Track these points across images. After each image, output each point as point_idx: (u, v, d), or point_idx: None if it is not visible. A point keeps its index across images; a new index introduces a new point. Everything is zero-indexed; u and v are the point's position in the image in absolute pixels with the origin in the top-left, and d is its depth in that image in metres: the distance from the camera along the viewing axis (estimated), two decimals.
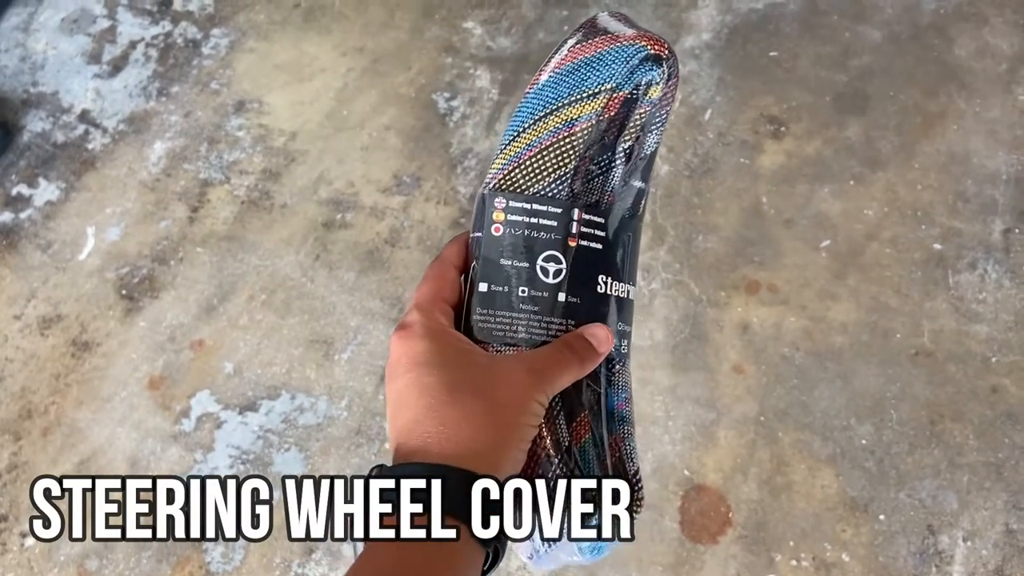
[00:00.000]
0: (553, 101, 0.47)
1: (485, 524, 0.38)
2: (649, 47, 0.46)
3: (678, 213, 1.40)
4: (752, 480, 1.18)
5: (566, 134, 0.47)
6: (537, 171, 0.47)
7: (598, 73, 0.47)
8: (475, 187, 1.46)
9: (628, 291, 0.49)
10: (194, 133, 1.59)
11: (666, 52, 0.47)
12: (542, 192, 0.47)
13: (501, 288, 0.46)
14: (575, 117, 0.47)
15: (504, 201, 0.47)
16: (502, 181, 0.47)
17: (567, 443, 0.44)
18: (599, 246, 0.47)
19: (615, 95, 0.46)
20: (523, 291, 0.46)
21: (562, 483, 0.43)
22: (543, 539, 0.43)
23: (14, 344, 1.40)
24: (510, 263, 0.46)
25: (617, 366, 0.48)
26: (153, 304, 1.41)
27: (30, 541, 1.24)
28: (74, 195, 1.55)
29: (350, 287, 1.39)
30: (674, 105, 0.49)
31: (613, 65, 0.46)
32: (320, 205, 1.48)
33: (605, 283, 0.47)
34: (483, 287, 0.46)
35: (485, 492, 0.38)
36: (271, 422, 1.29)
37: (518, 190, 0.47)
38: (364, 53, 1.65)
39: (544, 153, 0.47)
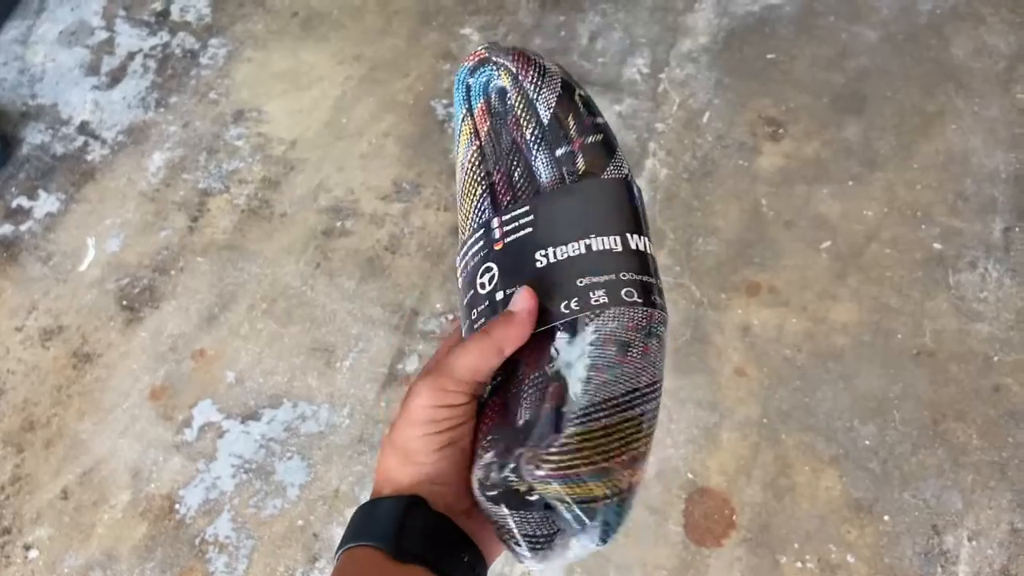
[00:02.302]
0: (456, 158, 0.52)
1: (397, 544, 0.40)
2: (467, 63, 0.50)
3: (677, 216, 1.40)
4: (756, 482, 1.18)
5: (463, 173, 0.50)
6: (464, 216, 0.50)
7: (455, 112, 0.52)
8: None
9: (590, 244, 0.46)
10: (193, 143, 1.59)
11: (482, 53, 0.50)
12: (471, 227, 0.49)
13: (466, 323, 0.48)
14: (463, 156, 0.50)
15: (456, 259, 0.50)
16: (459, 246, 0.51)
17: (521, 420, 0.43)
18: (529, 230, 0.47)
19: (475, 113, 0.50)
20: (473, 312, 0.47)
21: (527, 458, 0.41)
22: (529, 540, 0.42)
23: (16, 356, 1.40)
24: (464, 299, 0.48)
25: (592, 318, 0.45)
26: (154, 314, 1.41)
27: (33, 553, 1.24)
28: (74, 206, 1.55)
29: (351, 295, 1.39)
30: (532, 64, 0.50)
31: (456, 96, 0.51)
32: (320, 213, 1.48)
33: (545, 256, 0.46)
34: (463, 334, 0.48)
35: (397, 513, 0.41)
36: (273, 431, 1.29)
37: (462, 242, 0.50)
38: (362, 61, 1.65)
39: (461, 199, 0.50)
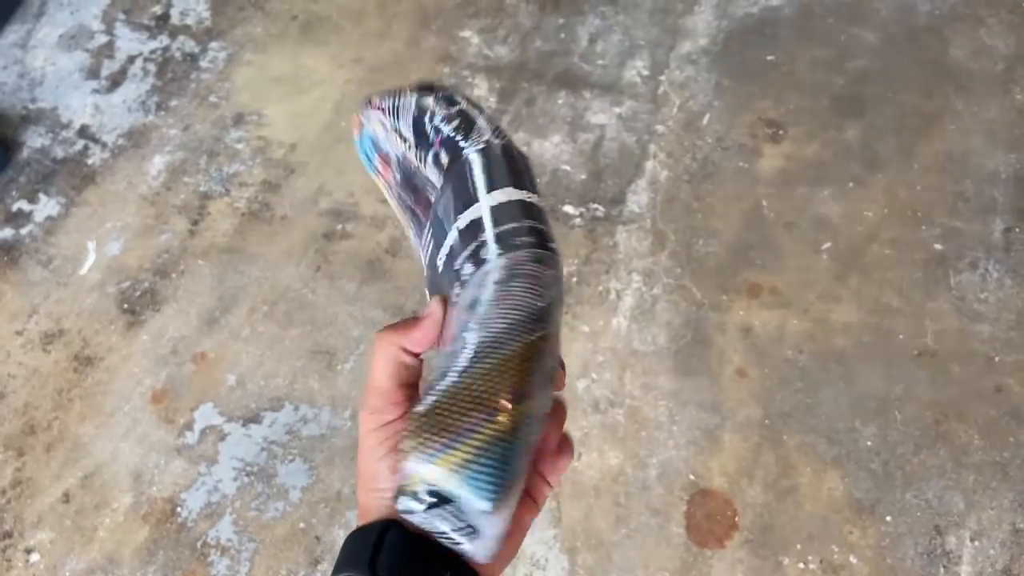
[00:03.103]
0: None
1: (372, 571, 0.39)
2: (354, 132, 0.56)
3: (678, 218, 1.40)
4: (758, 484, 1.18)
5: (381, 180, 0.57)
6: (407, 220, 0.56)
7: (371, 174, 0.58)
8: None
9: (457, 227, 0.47)
10: (193, 146, 1.59)
11: (357, 117, 0.54)
12: (428, 265, 0.52)
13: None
14: (393, 206, 0.57)
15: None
16: None
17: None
18: (432, 241, 0.50)
19: (379, 171, 0.56)
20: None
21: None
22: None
23: (16, 360, 1.40)
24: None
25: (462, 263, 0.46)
26: (155, 318, 1.41)
27: (35, 557, 1.23)
28: (74, 210, 1.55)
29: (351, 297, 1.39)
30: (390, 103, 0.52)
31: (363, 162, 0.57)
32: (320, 216, 1.48)
33: (441, 258, 0.49)
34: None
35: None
36: (275, 434, 1.29)
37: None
38: (362, 64, 1.65)
39: (414, 241, 0.54)
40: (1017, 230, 1.32)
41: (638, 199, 1.42)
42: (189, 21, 1.77)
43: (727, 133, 1.47)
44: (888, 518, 1.14)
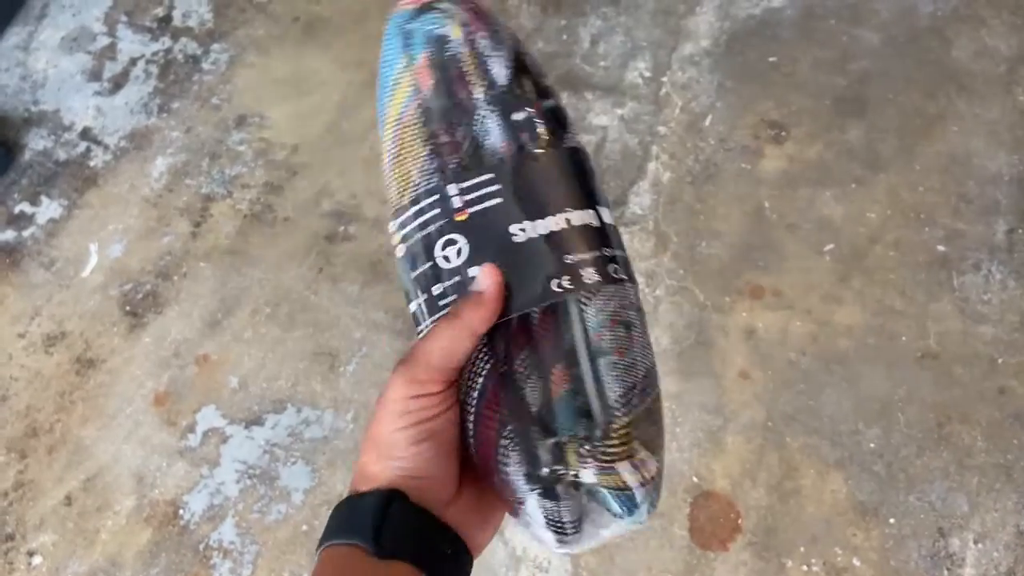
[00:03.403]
0: (381, 111, 0.46)
1: (377, 541, 0.39)
2: (407, 6, 0.45)
3: (680, 220, 1.40)
4: (761, 486, 1.18)
5: (401, 130, 0.45)
6: (402, 178, 0.46)
7: (387, 60, 0.46)
8: None
9: (569, 219, 0.44)
10: (195, 148, 1.59)
11: None
12: (415, 192, 0.45)
13: (421, 299, 0.44)
14: (398, 112, 0.45)
15: (393, 223, 0.46)
16: (393, 210, 0.46)
17: (536, 407, 0.41)
18: (498, 200, 0.43)
19: (414, 66, 0.45)
20: (437, 289, 0.43)
21: (532, 445, 0.40)
22: (550, 517, 0.41)
23: (19, 362, 1.40)
24: (417, 271, 0.44)
25: (589, 298, 0.43)
26: (157, 320, 1.41)
27: (37, 559, 1.23)
28: (76, 212, 1.55)
29: (354, 299, 1.39)
30: (487, 17, 0.46)
31: (392, 44, 0.45)
32: (322, 218, 1.48)
33: (522, 230, 0.43)
34: (412, 308, 0.45)
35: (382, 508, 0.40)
36: (277, 436, 1.29)
37: (398, 205, 0.46)
38: (364, 66, 1.65)
39: (398, 159, 0.46)
40: (1020, 231, 1.32)
41: (640, 201, 1.42)
42: (191, 23, 1.77)
43: (729, 134, 1.47)
44: (891, 520, 1.14)
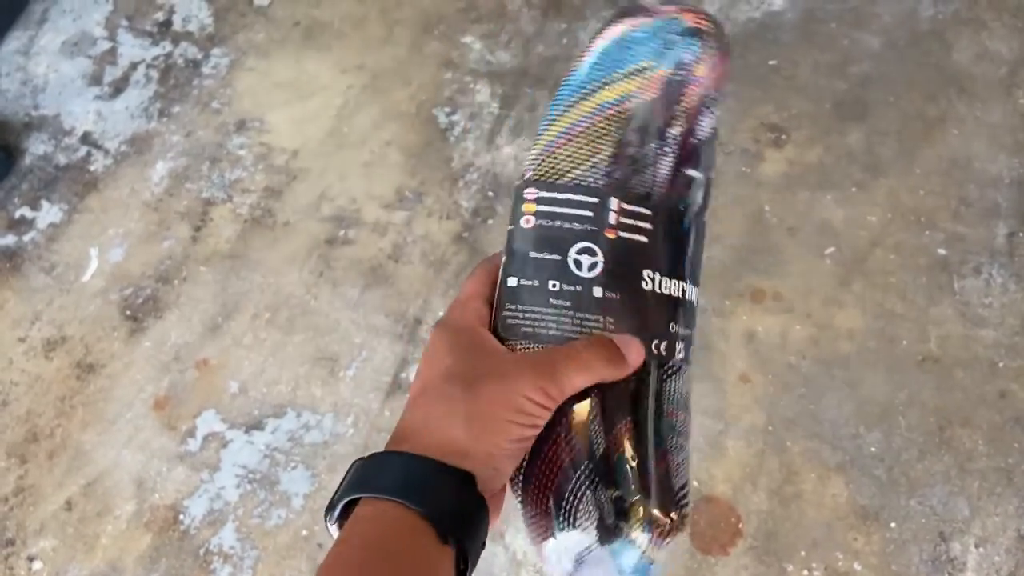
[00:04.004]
0: (586, 84, 0.44)
1: (436, 514, 0.37)
2: (687, 21, 0.43)
3: None
4: (762, 490, 1.17)
5: (599, 118, 0.44)
6: (570, 159, 0.44)
7: (631, 52, 0.43)
8: (477, 200, 1.46)
9: (685, 290, 0.45)
10: (196, 153, 1.60)
11: (705, 23, 0.43)
12: (575, 181, 0.43)
13: (530, 282, 0.43)
14: (607, 100, 0.43)
15: (535, 192, 0.44)
16: (535, 172, 0.44)
17: (602, 450, 0.41)
18: (644, 239, 0.43)
19: (652, 74, 0.43)
20: (554, 285, 0.42)
21: (588, 493, 0.40)
22: (574, 557, 0.41)
23: (19, 367, 1.40)
24: (541, 256, 0.43)
25: (671, 373, 0.45)
26: (157, 324, 1.41)
27: (38, 564, 1.23)
28: (77, 217, 1.55)
29: (354, 303, 1.39)
30: (727, 84, 0.46)
31: (647, 42, 0.43)
32: (323, 222, 1.48)
33: (652, 279, 0.43)
34: (512, 282, 0.43)
35: (455, 488, 0.38)
36: (277, 440, 1.29)
37: (551, 179, 0.44)
38: (364, 70, 1.66)
39: (577, 140, 0.44)
40: (1021, 234, 1.32)
41: None
42: (191, 27, 1.77)
43: (730, 138, 1.47)
44: (892, 524, 1.13)
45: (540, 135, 0.45)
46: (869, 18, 1.57)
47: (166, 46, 1.75)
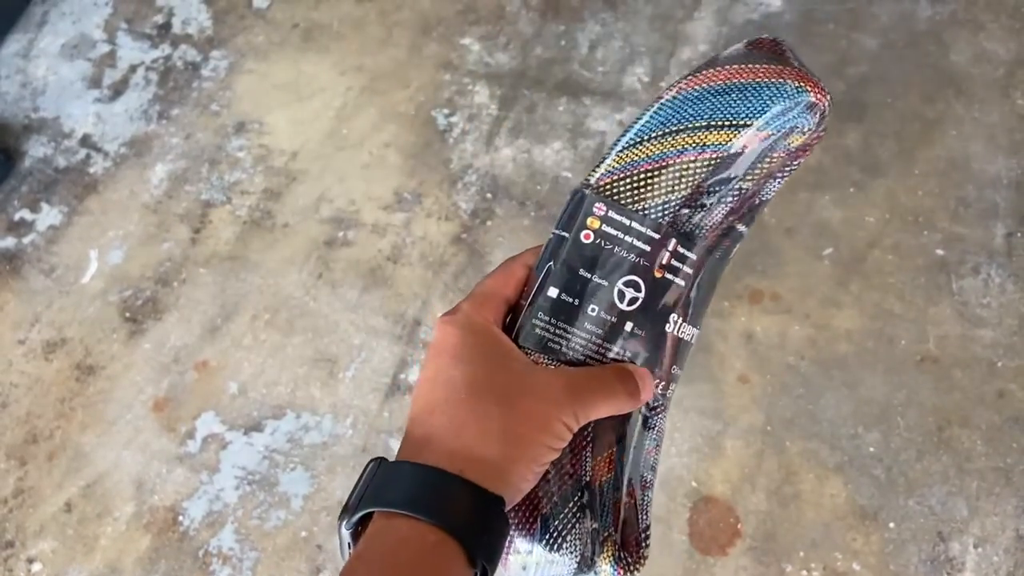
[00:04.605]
0: (691, 118, 0.42)
1: (471, 540, 0.36)
2: (813, 95, 0.42)
3: None
4: (760, 490, 1.17)
5: (692, 158, 0.42)
6: (649, 187, 0.42)
7: (749, 104, 0.41)
8: (476, 202, 1.47)
9: (692, 335, 0.46)
10: (195, 155, 1.60)
11: (827, 104, 0.42)
12: (646, 211, 0.42)
13: (571, 300, 0.42)
14: (709, 143, 0.42)
15: (603, 209, 0.42)
16: (608, 185, 0.43)
17: (587, 478, 0.41)
18: (681, 283, 0.43)
19: (760, 132, 0.42)
20: (593, 309, 0.42)
21: (577, 523, 0.40)
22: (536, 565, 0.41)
23: (19, 369, 1.40)
24: (589, 277, 0.42)
25: (658, 410, 0.45)
26: (157, 326, 1.41)
27: (37, 566, 1.23)
28: (76, 219, 1.56)
29: (353, 305, 1.39)
30: (796, 167, 0.47)
31: (769, 101, 0.41)
32: (322, 224, 1.48)
33: (675, 323, 0.43)
34: (553, 292, 0.42)
35: (480, 508, 0.37)
36: (276, 442, 1.29)
37: (623, 201, 0.42)
38: (363, 72, 1.66)
39: (663, 171, 0.42)
40: (1019, 235, 1.32)
41: None
42: (191, 30, 1.77)
43: None
44: (891, 524, 1.13)
45: (623, 148, 0.43)
46: (867, 19, 1.57)
47: (165, 49, 1.76)
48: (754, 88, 0.41)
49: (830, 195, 1.39)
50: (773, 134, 0.42)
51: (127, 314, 1.43)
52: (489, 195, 1.47)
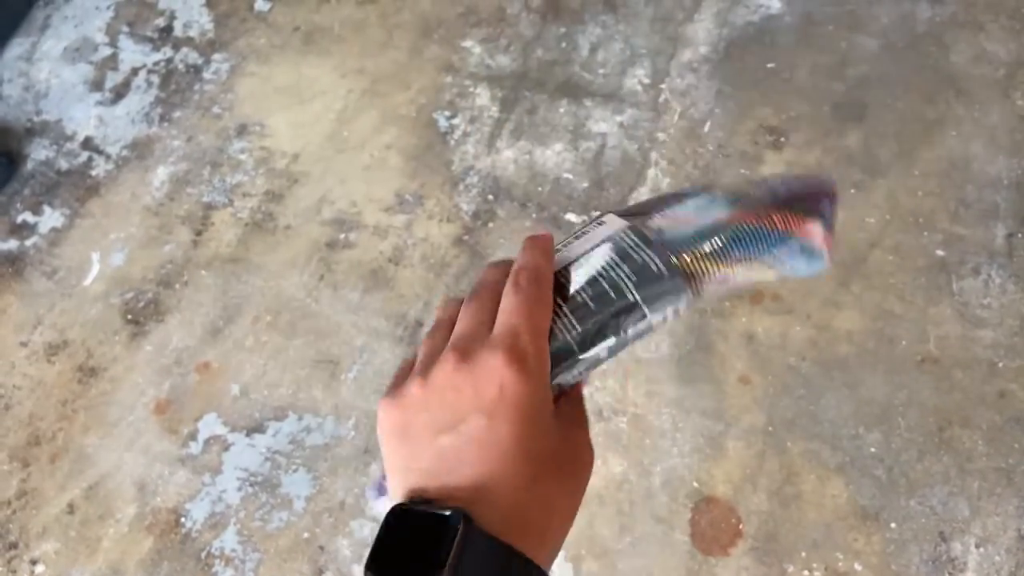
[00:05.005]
0: (733, 248, 0.42)
1: None
2: (823, 248, 0.42)
3: None
4: (762, 491, 1.18)
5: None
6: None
7: (779, 255, 0.42)
8: (477, 203, 1.47)
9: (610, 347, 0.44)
10: (197, 157, 1.60)
11: (829, 254, 0.42)
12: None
13: (597, 334, 0.41)
14: (728, 275, 0.42)
15: (686, 307, 0.42)
16: (646, 227, 0.42)
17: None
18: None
19: (770, 274, 0.42)
20: (609, 350, 0.41)
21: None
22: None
23: (21, 371, 1.41)
24: (611, 302, 0.41)
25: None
26: (158, 328, 1.42)
27: (40, 568, 1.23)
28: (78, 221, 1.56)
29: (355, 306, 1.40)
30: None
31: (794, 255, 0.42)
32: (323, 225, 1.49)
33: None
34: (588, 328, 0.41)
35: None
36: (278, 443, 1.29)
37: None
38: (364, 74, 1.66)
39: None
40: (1019, 235, 1.32)
41: None
42: (192, 33, 1.78)
43: (728, 140, 1.48)
44: (892, 525, 1.13)
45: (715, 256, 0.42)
46: (867, 20, 1.58)
47: (167, 52, 1.76)
48: (795, 249, 0.41)
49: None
50: (776, 264, 0.43)
51: (129, 316, 1.44)
52: (490, 197, 1.48)
